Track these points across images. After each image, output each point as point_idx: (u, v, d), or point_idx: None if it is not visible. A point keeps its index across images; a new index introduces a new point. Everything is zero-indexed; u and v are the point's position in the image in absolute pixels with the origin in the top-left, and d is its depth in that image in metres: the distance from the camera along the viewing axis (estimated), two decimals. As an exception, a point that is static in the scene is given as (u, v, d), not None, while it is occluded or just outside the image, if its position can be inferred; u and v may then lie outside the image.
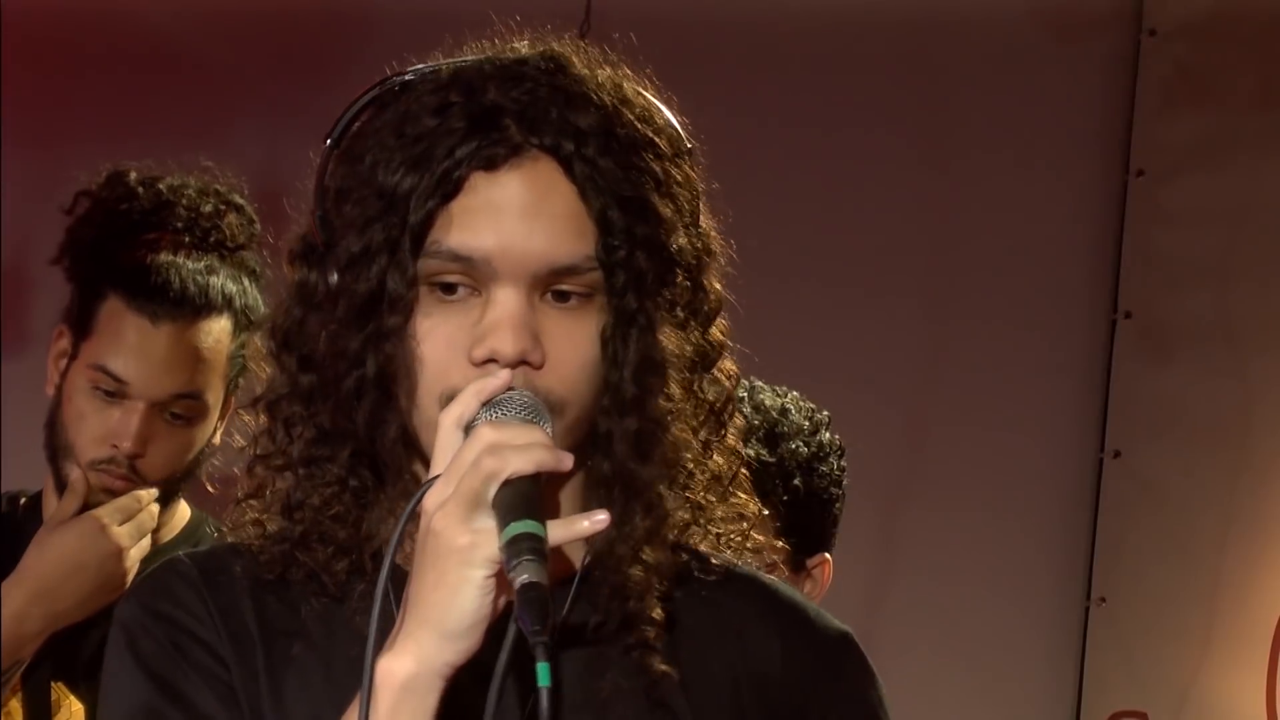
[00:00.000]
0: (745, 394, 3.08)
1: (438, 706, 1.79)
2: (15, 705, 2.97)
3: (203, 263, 3.01)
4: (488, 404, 1.84)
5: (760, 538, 2.05)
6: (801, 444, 3.05)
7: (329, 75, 4.19)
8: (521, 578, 1.72)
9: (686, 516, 1.97)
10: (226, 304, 3.00)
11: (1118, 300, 4.99)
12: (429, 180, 1.89)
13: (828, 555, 3.10)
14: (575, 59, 1.97)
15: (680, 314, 1.96)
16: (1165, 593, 4.82)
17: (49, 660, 2.97)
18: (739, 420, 2.03)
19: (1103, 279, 5.00)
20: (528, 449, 1.79)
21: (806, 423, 3.07)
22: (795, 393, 3.12)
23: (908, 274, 4.94)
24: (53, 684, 2.98)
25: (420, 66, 1.97)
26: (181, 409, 3.01)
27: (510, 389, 1.85)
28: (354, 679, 1.83)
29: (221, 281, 3.00)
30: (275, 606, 1.94)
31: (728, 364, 2.02)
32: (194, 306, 2.98)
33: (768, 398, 3.08)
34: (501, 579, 1.76)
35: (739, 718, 1.97)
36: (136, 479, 3.00)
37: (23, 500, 3.13)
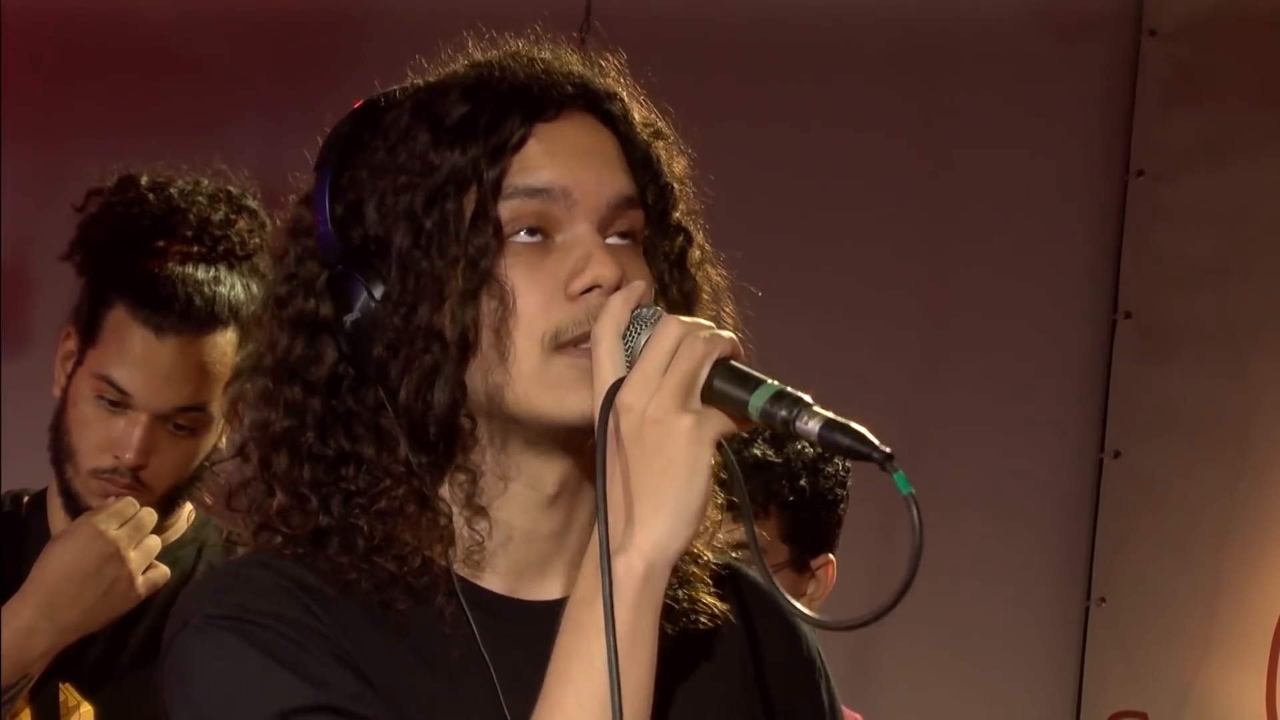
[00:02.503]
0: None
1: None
2: (24, 706, 2.96)
3: (210, 273, 2.98)
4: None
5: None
6: (807, 445, 3.05)
7: (329, 75, 4.20)
8: (816, 420, 1.78)
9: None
10: (233, 315, 2.98)
11: (1118, 300, 4.99)
12: (494, 140, 1.92)
13: (831, 556, 3.10)
14: (540, 50, 2.01)
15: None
16: (1165, 593, 4.82)
17: (57, 661, 2.96)
18: None
19: (1103, 279, 5.00)
20: (719, 335, 1.83)
21: (812, 423, 3.07)
22: (800, 393, 3.12)
23: (908, 274, 4.94)
24: (64, 685, 2.97)
25: (396, 87, 1.99)
26: (186, 420, 2.99)
27: (642, 305, 1.88)
28: (459, 679, 1.85)
29: (229, 292, 2.98)
30: (360, 608, 1.90)
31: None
32: (199, 320, 2.96)
33: (773, 398, 3.08)
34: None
35: (751, 702, 2.01)
36: (140, 488, 2.99)
37: (26, 499, 3.13)
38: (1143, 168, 4.98)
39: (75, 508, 3.01)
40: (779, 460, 3.03)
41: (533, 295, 1.89)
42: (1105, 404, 4.99)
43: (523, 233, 1.90)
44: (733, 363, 1.81)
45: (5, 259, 4.27)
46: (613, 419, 1.81)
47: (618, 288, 1.87)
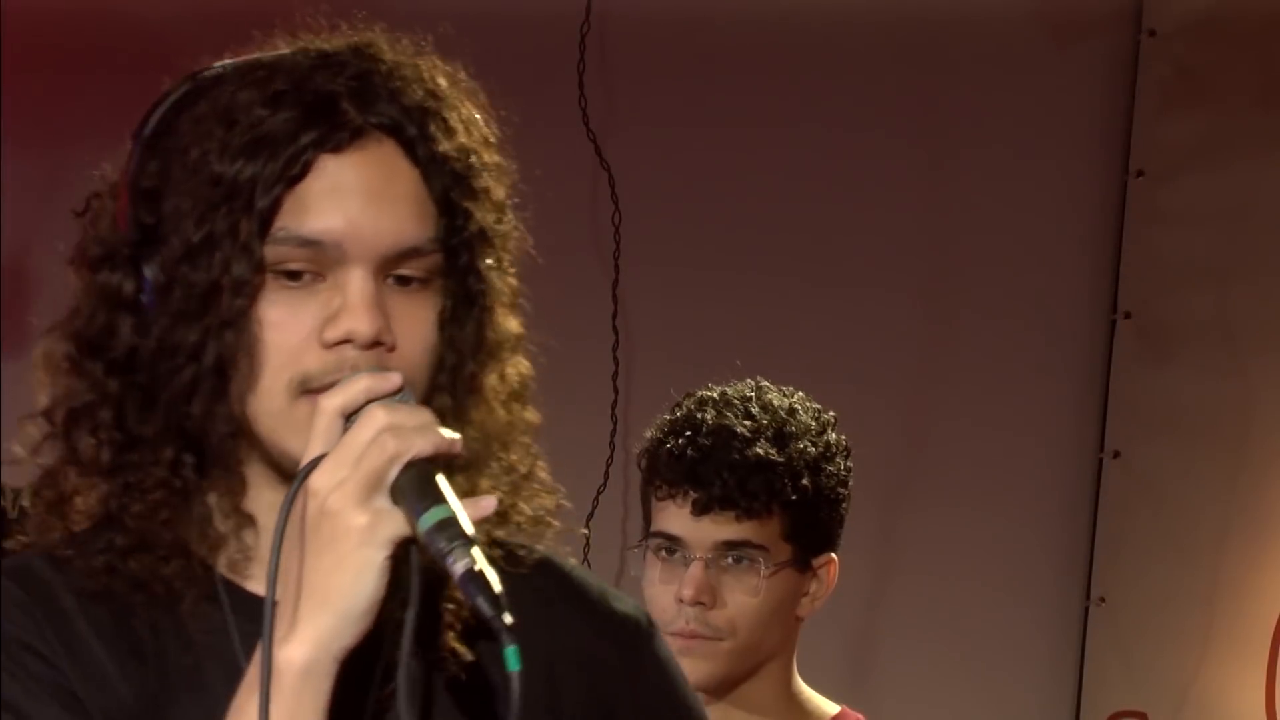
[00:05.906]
0: (753, 394, 3.08)
1: (332, 690, 1.78)
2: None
3: None
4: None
5: (557, 524, 2.02)
6: (809, 444, 3.05)
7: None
8: (463, 563, 1.72)
9: (507, 501, 1.95)
10: None
11: (1117, 300, 4.99)
12: (274, 165, 1.85)
13: (834, 555, 3.10)
14: (385, 46, 1.95)
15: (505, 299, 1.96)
16: (1165, 592, 4.82)
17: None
18: (531, 415, 2.01)
19: (1103, 279, 5.00)
20: (426, 430, 1.79)
21: (814, 423, 3.08)
22: (801, 393, 3.12)
23: (908, 274, 4.95)
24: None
25: (230, 60, 1.96)
26: None
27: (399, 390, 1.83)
28: (189, 687, 1.84)
29: None
30: (104, 617, 1.89)
31: (520, 360, 2.00)
32: None
33: (775, 398, 3.09)
34: (395, 560, 1.77)
35: (553, 695, 1.96)
36: None
37: None
38: (1142, 168, 4.97)
39: None
40: (781, 459, 3.03)
41: (286, 338, 1.85)
42: (1105, 404, 4.99)
43: (286, 276, 1.86)
44: (420, 467, 1.77)
45: (5, 259, 4.27)
46: (302, 499, 1.78)
47: (376, 343, 1.84)
